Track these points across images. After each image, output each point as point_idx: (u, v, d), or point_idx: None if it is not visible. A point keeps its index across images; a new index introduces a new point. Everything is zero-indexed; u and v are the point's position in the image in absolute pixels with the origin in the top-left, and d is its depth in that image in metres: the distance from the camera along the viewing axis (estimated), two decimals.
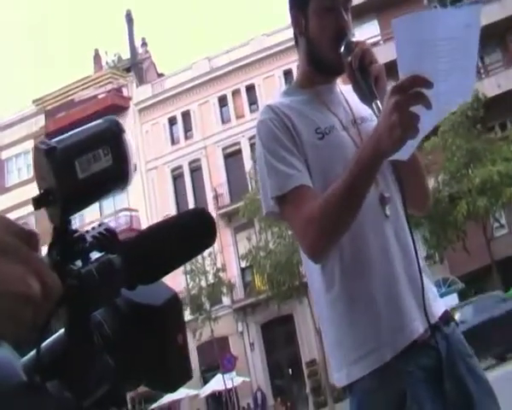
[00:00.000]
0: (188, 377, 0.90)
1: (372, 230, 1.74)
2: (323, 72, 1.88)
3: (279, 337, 29.12)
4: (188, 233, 0.86)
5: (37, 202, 0.81)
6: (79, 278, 0.77)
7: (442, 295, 15.45)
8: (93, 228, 0.86)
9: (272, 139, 1.76)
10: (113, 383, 0.82)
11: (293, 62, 33.43)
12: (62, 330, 0.82)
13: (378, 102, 1.53)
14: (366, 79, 1.63)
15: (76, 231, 0.84)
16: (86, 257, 0.82)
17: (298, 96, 1.89)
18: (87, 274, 0.78)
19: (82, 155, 0.81)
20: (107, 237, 0.84)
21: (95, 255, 0.82)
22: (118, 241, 0.85)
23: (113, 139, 0.86)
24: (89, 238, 0.83)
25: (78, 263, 0.80)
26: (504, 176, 22.03)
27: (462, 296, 22.11)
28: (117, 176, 0.87)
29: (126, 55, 39.69)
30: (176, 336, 0.87)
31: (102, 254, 0.82)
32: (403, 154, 1.50)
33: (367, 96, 1.62)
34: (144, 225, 31.06)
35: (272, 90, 33.16)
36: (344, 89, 1.94)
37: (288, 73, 33.71)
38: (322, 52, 1.83)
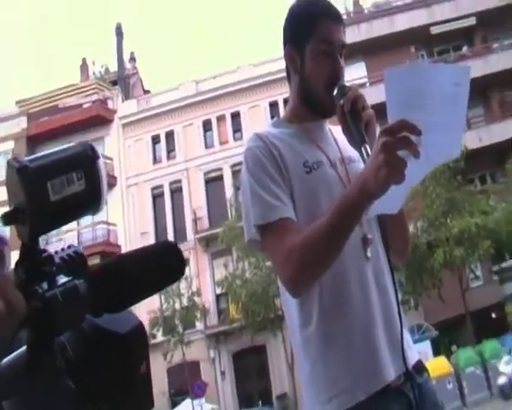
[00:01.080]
0: (150, 405, 0.92)
1: (353, 270, 1.74)
2: (315, 110, 1.91)
3: (251, 368, 29.14)
4: (157, 266, 0.89)
5: (6, 218, 0.83)
6: (44, 300, 0.79)
7: (415, 342, 15.73)
8: (62, 249, 0.88)
9: (259, 167, 1.76)
10: (73, 406, 0.83)
11: (280, 95, 33.85)
12: (24, 348, 0.83)
13: (367, 146, 1.56)
14: (357, 123, 1.65)
15: (44, 250, 0.85)
16: (53, 280, 0.83)
17: (287, 129, 1.90)
18: (52, 298, 0.80)
19: (55, 177, 0.83)
20: (75, 261, 0.86)
21: (61, 279, 0.84)
22: (86, 266, 0.87)
23: (87, 164, 0.88)
24: (57, 260, 0.85)
25: (44, 285, 0.82)
26: (481, 228, 22.61)
27: (435, 344, 22.65)
28: (89, 201, 0.89)
29: (114, 67, 39.59)
30: (139, 364, 0.89)
31: (69, 278, 0.84)
32: (392, 207, 1.55)
33: (356, 139, 1.64)
34: (121, 240, 31.20)
35: (257, 119, 33.47)
36: (333, 129, 1.98)
37: (273, 105, 34.02)
38: (316, 92, 1.86)
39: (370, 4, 38.06)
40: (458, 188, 23.51)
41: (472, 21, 33.46)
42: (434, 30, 33.38)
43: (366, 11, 37.37)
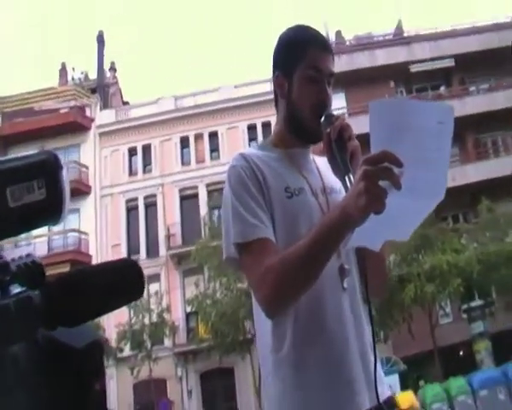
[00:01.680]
0: None
1: (329, 300, 1.75)
2: (301, 137, 1.92)
3: (218, 389, 28.91)
4: (116, 283, 0.87)
5: None
6: None
7: (384, 374, 16.07)
8: (20, 257, 0.86)
9: (241, 187, 1.76)
10: None
11: (259, 118, 34.17)
12: None
13: (351, 175, 1.57)
14: (342, 152, 1.66)
15: (0, 257, 0.84)
16: (6, 289, 0.81)
17: (271, 153, 1.91)
18: (4, 308, 0.77)
19: (15, 184, 0.82)
20: (31, 271, 0.84)
21: (16, 288, 0.82)
22: (43, 277, 0.84)
23: (49, 173, 0.87)
24: (13, 267, 0.83)
25: None
26: (453, 266, 23.01)
27: (403, 378, 22.90)
28: (49, 211, 0.88)
29: (93, 75, 39.38)
30: (94, 381, 0.86)
31: (24, 288, 0.82)
32: (373, 242, 1.55)
33: (341, 168, 1.65)
34: (92, 250, 30.93)
35: (235, 141, 33.68)
36: (317, 159, 1.99)
37: (251, 128, 34.29)
38: (303, 119, 1.86)
39: (352, 36, 38.78)
40: (431, 225, 23.81)
41: (451, 63, 34.27)
42: (414, 68, 34.11)
43: (348, 43, 38.03)
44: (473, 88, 35.44)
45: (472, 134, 31.59)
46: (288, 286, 1.61)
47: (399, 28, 38.69)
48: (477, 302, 25.21)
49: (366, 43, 35.89)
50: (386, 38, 37.93)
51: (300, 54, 1.88)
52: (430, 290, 22.77)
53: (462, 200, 26.93)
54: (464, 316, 26.11)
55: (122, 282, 0.89)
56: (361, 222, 1.40)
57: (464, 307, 25.82)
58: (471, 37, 35.09)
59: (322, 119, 1.77)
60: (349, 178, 1.57)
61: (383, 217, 1.35)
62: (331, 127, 1.71)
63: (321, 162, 1.94)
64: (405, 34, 37.64)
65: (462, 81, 35.38)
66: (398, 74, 32.57)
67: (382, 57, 33.91)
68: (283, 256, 1.62)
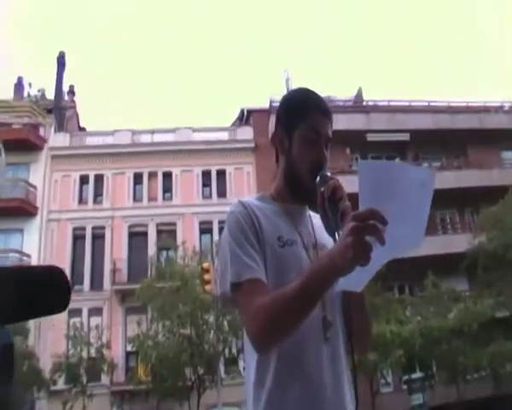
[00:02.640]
0: None
1: (310, 346, 1.85)
2: (297, 193, 2.02)
3: None
4: (34, 290, 0.84)
5: None
6: None
7: None
8: None
9: (239, 230, 1.89)
10: None
11: (214, 165, 34.32)
12: None
13: (341, 232, 1.63)
14: (334, 211, 1.74)
15: None
16: None
17: (268, 205, 2.04)
18: None
19: None
20: None
21: None
22: None
23: None
24: None
25: None
26: (396, 336, 23.50)
27: None
28: None
29: (51, 95, 38.55)
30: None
31: None
32: (356, 285, 1.65)
33: (332, 226, 1.74)
34: None
35: (188, 184, 33.72)
36: (313, 215, 2.09)
37: (206, 174, 34.38)
38: (300, 176, 1.98)
39: None
40: (377, 293, 24.24)
41: (406, 137, 35.46)
42: (370, 137, 35.09)
43: None
44: (425, 164, 36.64)
45: None
46: (276, 325, 1.70)
47: (359, 96, 39.85)
48: (418, 375, 25.61)
49: None
50: (346, 104, 38.98)
51: (302, 115, 2.01)
52: (373, 358, 23.03)
53: (409, 272, 27.53)
54: (405, 387, 26.50)
55: (42, 291, 0.88)
56: (347, 273, 1.51)
57: (405, 378, 26.21)
58: (426, 115, 36.56)
59: (318, 178, 1.87)
60: (339, 235, 1.67)
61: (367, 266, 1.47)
62: (325, 186, 1.81)
63: (317, 220, 2.01)
64: (364, 103, 38.80)
65: (416, 156, 36.57)
66: (355, 141, 33.31)
67: (341, 123, 34.58)
68: (274, 297, 1.72)
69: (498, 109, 38.76)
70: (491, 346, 24.21)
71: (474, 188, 32.49)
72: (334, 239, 1.70)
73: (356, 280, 1.58)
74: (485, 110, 38.20)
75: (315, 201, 1.87)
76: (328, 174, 1.87)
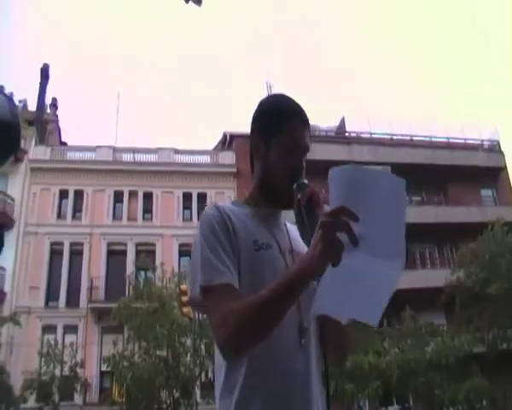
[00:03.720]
0: None
1: (284, 352, 1.80)
2: (273, 199, 2.00)
3: None
4: None
5: None
6: None
7: None
8: None
9: (211, 234, 1.84)
10: None
11: (195, 188, 34.23)
12: None
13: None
14: (310, 218, 1.73)
15: None
16: None
17: (243, 209, 2.00)
18: None
19: None
20: None
21: None
22: None
23: None
24: None
25: None
26: (373, 368, 23.52)
27: None
28: None
29: (33, 107, 38.30)
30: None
31: None
32: (339, 313, 1.63)
33: (307, 233, 1.72)
34: (7, 287, 29.42)
35: (169, 205, 33.63)
36: (288, 224, 2.09)
37: (187, 196, 34.27)
38: (277, 183, 1.96)
39: None
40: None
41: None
42: None
43: None
44: (406, 198, 36.95)
45: None
46: (246, 331, 1.66)
47: (342, 126, 40.24)
48: (395, 407, 25.68)
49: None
50: (328, 133, 39.32)
51: (281, 122, 1.97)
52: (350, 388, 22.98)
53: (387, 304, 27.64)
54: None
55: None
56: (319, 271, 1.48)
57: (382, 409, 26.20)
58: (408, 149, 37.02)
59: (295, 186, 1.86)
60: None
61: (347, 283, 1.45)
62: (301, 193, 1.80)
63: (292, 228, 2.03)
64: (347, 134, 39.17)
65: None
66: None
67: (322, 153, 34.83)
68: (245, 302, 1.68)
69: (478, 147, 39.47)
70: (468, 381, 24.36)
71: (454, 224, 32.92)
72: (309, 245, 1.64)
73: (337, 304, 1.54)
74: (465, 147, 38.89)
75: (290, 206, 1.88)
76: (306, 181, 1.86)
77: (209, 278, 1.78)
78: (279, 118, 1.98)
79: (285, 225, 2.08)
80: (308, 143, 2.00)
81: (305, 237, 1.75)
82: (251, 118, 2.09)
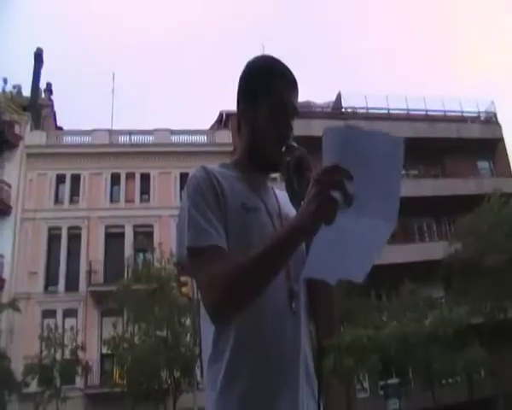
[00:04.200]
0: None
1: (273, 317, 1.77)
2: (261, 164, 1.97)
3: None
4: None
5: None
6: None
7: None
8: None
9: (199, 195, 1.81)
10: None
11: (192, 168, 33.14)
12: None
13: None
14: (300, 180, 1.70)
15: None
16: None
17: (232, 172, 1.97)
18: None
19: None
20: None
21: None
22: None
23: None
24: None
25: None
26: (372, 342, 23.59)
27: None
28: None
29: (27, 92, 37.96)
30: None
31: None
32: (329, 275, 1.60)
33: (297, 195, 1.70)
34: (6, 274, 29.52)
35: (166, 186, 33.54)
36: (276, 190, 2.07)
37: (184, 177, 33.91)
38: (265, 146, 1.92)
39: None
40: (355, 298, 24.22)
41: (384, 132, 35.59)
42: None
43: None
44: (402, 171, 36.89)
45: (400, 217, 32.72)
46: (234, 293, 1.62)
47: (338, 101, 40.04)
48: (394, 380, 25.78)
49: (304, 112, 36.81)
50: (325, 109, 39.16)
51: (267, 84, 1.93)
52: (349, 363, 23.06)
53: (386, 278, 27.72)
54: (381, 392, 26.63)
55: None
56: (312, 230, 1.45)
57: (381, 383, 26.34)
58: (404, 123, 36.79)
59: (284, 148, 1.82)
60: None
61: (336, 242, 1.43)
62: (291, 156, 1.77)
63: (280, 194, 2.01)
64: (343, 110, 38.99)
65: None
66: None
67: (318, 128, 34.56)
68: (233, 263, 1.64)
69: (475, 119, 39.31)
70: (466, 352, 24.48)
71: (451, 197, 32.85)
72: (299, 208, 1.62)
73: (327, 267, 1.52)
74: (462, 120, 38.76)
75: (278, 169, 1.86)
76: (295, 145, 1.82)
77: (196, 239, 1.74)
78: (265, 79, 1.94)
79: (272, 188, 2.05)
80: (296, 104, 1.95)
81: (295, 200, 1.72)
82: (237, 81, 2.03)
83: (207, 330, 1.80)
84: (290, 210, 1.85)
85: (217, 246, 1.72)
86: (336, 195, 1.38)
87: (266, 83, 1.93)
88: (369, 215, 1.41)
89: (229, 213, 1.81)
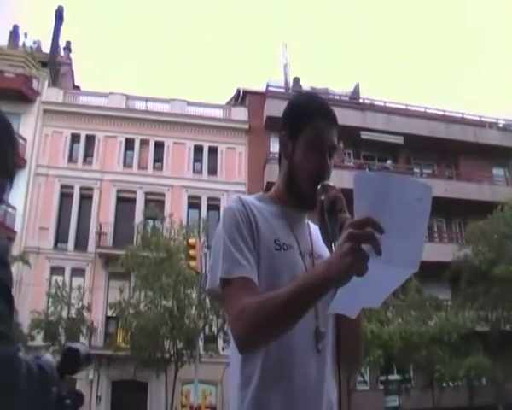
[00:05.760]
0: None
1: (300, 355, 1.81)
2: (297, 199, 1.99)
3: (129, 401, 27.72)
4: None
5: None
6: None
7: None
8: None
9: (234, 227, 1.86)
10: None
11: (207, 142, 34.08)
12: None
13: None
14: (333, 221, 1.71)
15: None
16: None
17: (268, 206, 2.00)
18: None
19: None
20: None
21: None
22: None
23: None
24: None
25: None
26: (376, 337, 23.71)
27: None
28: None
29: (47, 48, 37.81)
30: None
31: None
32: (351, 310, 1.62)
33: (330, 236, 1.71)
34: (18, 227, 29.41)
35: (180, 157, 33.45)
36: (311, 225, 2.09)
37: (198, 149, 34.15)
38: (301, 182, 1.96)
39: (309, 87, 39.51)
40: None
41: (400, 140, 35.62)
42: (364, 135, 35.16)
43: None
44: (417, 169, 36.97)
45: None
46: (260, 328, 1.67)
47: (356, 92, 39.89)
48: (395, 377, 25.95)
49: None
50: (342, 98, 38.98)
51: (307, 120, 1.97)
52: None
53: None
54: (381, 387, 26.81)
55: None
56: (343, 282, 1.48)
57: (382, 378, 26.48)
58: (421, 121, 36.74)
59: (319, 187, 1.85)
60: (336, 246, 1.62)
61: (361, 284, 1.44)
62: (325, 196, 1.79)
63: (314, 229, 2.03)
64: (361, 100, 38.85)
65: (408, 160, 36.85)
66: (349, 137, 32.80)
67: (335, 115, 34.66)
68: (262, 299, 1.68)
69: (493, 125, 39.21)
70: (469, 358, 24.65)
71: (464, 200, 32.92)
72: (331, 250, 1.68)
73: (351, 303, 1.56)
74: (480, 124, 38.63)
75: (313, 208, 1.87)
76: (330, 184, 1.84)
77: (229, 270, 1.79)
78: (306, 115, 1.98)
79: (308, 225, 2.08)
80: (334, 141, 1.98)
81: (327, 240, 1.76)
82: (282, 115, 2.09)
83: (235, 354, 1.84)
84: (323, 249, 1.91)
85: (248, 279, 1.78)
86: (367, 248, 1.40)
87: (307, 119, 1.97)
88: (394, 263, 1.44)
89: (262, 249, 1.86)
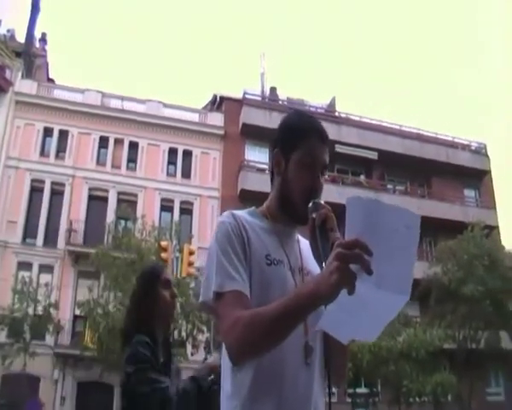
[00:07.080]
0: None
1: (290, 368, 1.84)
2: (288, 215, 2.03)
3: (94, 403, 27.06)
4: None
5: None
6: None
7: None
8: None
9: (227, 241, 1.89)
10: None
11: (182, 145, 33.84)
12: None
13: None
14: (323, 239, 1.74)
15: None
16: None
17: (259, 222, 2.04)
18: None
19: None
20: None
21: None
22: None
23: None
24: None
25: None
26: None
27: None
28: None
29: (22, 38, 37.04)
30: None
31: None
32: (342, 334, 1.62)
33: (320, 254, 1.73)
34: None
35: (154, 158, 33.21)
36: (302, 240, 2.11)
37: (172, 152, 33.91)
38: (293, 199, 1.98)
39: (285, 97, 39.63)
40: None
41: (374, 156, 35.94)
42: (339, 148, 35.16)
43: (280, 102, 38.79)
44: (390, 186, 37.30)
45: None
46: (252, 341, 1.70)
47: (332, 105, 40.13)
48: (363, 390, 26.00)
49: (297, 108, 36.68)
50: (318, 110, 39.11)
51: (300, 139, 2.01)
52: None
53: None
54: (349, 400, 26.79)
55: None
56: (331, 298, 1.49)
57: (350, 391, 26.49)
58: (396, 138, 37.18)
59: (310, 204, 1.88)
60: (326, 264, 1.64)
61: (354, 308, 1.47)
62: (316, 214, 1.82)
63: (304, 245, 2.03)
64: (337, 114, 39.06)
65: (382, 176, 37.15)
66: None
67: None
68: (254, 313, 1.72)
69: (465, 147, 39.85)
70: (436, 375, 24.84)
71: (435, 219, 33.18)
72: (321, 267, 1.68)
73: (342, 327, 1.56)
74: (453, 145, 39.25)
75: (305, 224, 1.90)
76: (322, 202, 1.87)
77: (222, 284, 1.83)
78: (299, 134, 2.01)
79: (298, 241, 2.11)
80: (326, 160, 2.03)
81: (317, 257, 1.77)
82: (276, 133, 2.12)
83: (227, 366, 1.89)
84: (313, 265, 1.93)
85: (240, 292, 1.82)
86: (355, 267, 1.42)
87: (301, 138, 2.00)
88: (385, 288, 1.46)
89: (253, 263, 1.90)
